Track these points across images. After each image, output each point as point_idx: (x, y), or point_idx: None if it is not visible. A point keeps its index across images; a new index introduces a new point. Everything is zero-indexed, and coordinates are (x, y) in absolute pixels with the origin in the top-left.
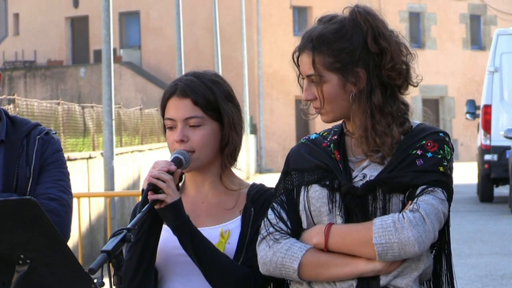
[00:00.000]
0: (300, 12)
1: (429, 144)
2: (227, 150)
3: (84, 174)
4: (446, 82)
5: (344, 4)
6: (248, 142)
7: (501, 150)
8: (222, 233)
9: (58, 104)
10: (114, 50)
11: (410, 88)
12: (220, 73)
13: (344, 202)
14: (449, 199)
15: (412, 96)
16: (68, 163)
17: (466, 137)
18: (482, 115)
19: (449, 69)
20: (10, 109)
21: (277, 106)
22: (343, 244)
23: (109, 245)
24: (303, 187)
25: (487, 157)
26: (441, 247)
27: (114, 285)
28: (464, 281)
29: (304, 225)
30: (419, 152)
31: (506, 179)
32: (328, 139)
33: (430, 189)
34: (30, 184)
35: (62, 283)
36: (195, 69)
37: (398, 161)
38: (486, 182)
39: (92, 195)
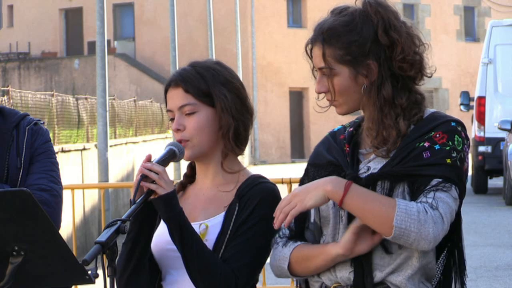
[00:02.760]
0: (294, 4)
1: (437, 135)
2: (227, 134)
3: (78, 165)
4: (440, 74)
5: None
6: None
7: (495, 142)
8: (200, 231)
9: (52, 95)
10: (108, 41)
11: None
12: None
13: None
14: (462, 194)
15: None
16: (62, 155)
17: None
18: (476, 106)
19: (443, 61)
20: (4, 100)
21: (271, 98)
22: (360, 207)
23: (103, 236)
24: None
25: (481, 148)
26: (454, 243)
27: (108, 276)
28: None
29: (311, 218)
30: (426, 144)
31: (500, 170)
32: (346, 132)
33: (445, 185)
34: (21, 174)
35: (56, 275)
36: (192, 60)
37: (405, 154)
38: (480, 174)
39: (86, 186)
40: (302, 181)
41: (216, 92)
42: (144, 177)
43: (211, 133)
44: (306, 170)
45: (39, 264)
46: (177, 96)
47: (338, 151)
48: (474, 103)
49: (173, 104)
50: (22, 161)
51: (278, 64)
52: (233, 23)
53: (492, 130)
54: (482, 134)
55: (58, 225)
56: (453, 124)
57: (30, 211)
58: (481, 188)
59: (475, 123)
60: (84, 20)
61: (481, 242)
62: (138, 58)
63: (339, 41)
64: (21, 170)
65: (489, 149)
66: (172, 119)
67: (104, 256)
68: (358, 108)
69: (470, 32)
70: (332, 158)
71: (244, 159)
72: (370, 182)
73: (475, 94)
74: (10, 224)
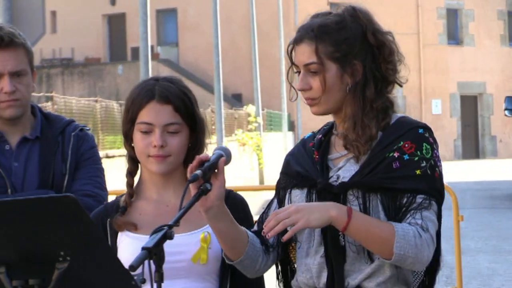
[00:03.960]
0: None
1: (406, 145)
2: (199, 154)
3: (123, 171)
4: (484, 79)
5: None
6: (286, 140)
7: None
8: (204, 238)
9: (96, 101)
10: (152, 47)
11: (449, 85)
12: (258, 70)
13: (319, 199)
14: (441, 203)
15: (450, 93)
16: (107, 160)
17: (504, 134)
18: None
19: (487, 66)
20: (48, 106)
21: None
22: (363, 233)
23: (150, 242)
24: (288, 190)
25: None
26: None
27: (155, 281)
28: (504, 278)
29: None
30: (396, 154)
31: None
32: (315, 139)
33: (427, 202)
34: (66, 180)
35: (102, 280)
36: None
37: (375, 164)
38: None
39: None
40: (276, 189)
41: (198, 115)
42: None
43: (185, 152)
44: (279, 179)
45: (85, 270)
46: (165, 113)
47: (307, 160)
48: None
49: (159, 120)
50: (68, 167)
51: None
52: (276, 27)
53: None
54: None
55: None
56: (420, 131)
57: (76, 216)
58: None
59: None
60: (128, 26)
61: None
62: (181, 64)
63: (331, 37)
64: (67, 176)
65: None
66: (145, 132)
67: (151, 261)
68: (336, 109)
69: None
70: (300, 168)
71: None
72: (341, 191)
73: None
74: (56, 230)
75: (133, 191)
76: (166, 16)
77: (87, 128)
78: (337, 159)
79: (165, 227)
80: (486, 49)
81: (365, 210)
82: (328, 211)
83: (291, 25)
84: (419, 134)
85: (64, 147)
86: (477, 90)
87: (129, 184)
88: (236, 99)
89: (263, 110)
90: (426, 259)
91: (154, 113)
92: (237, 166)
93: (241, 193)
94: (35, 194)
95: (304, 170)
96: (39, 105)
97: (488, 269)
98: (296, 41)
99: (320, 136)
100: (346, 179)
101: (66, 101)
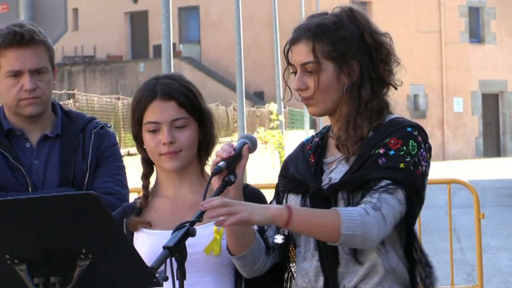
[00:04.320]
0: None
1: (392, 141)
2: (211, 146)
3: None
4: (505, 77)
5: None
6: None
7: None
8: (217, 230)
9: (118, 99)
10: (174, 45)
11: (470, 83)
12: (280, 68)
13: (312, 204)
14: (413, 198)
15: (472, 91)
16: (129, 158)
17: None
18: None
19: (509, 64)
20: (70, 104)
21: None
22: (307, 224)
23: (171, 240)
24: (284, 194)
25: None
26: (410, 246)
27: (177, 279)
28: None
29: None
30: (381, 151)
31: None
32: (313, 142)
33: (392, 187)
34: (87, 178)
35: (123, 278)
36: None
37: (362, 161)
38: None
39: None
40: (275, 191)
41: (204, 108)
42: (220, 169)
43: (196, 145)
44: (277, 182)
45: (107, 267)
46: (170, 109)
47: (304, 164)
48: None
49: (165, 117)
50: (88, 165)
51: None
52: None
53: None
54: None
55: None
56: (408, 129)
57: (98, 214)
58: None
59: None
60: (150, 24)
61: None
62: (203, 61)
63: (329, 37)
64: (87, 174)
65: None
66: (153, 131)
67: (173, 259)
68: (332, 109)
69: None
70: (296, 172)
71: None
72: (331, 193)
73: None
74: (78, 227)
75: (148, 193)
76: (188, 14)
77: (108, 126)
78: (331, 162)
79: (186, 224)
80: (508, 47)
81: None
82: (269, 208)
83: None
84: (407, 132)
85: (84, 145)
86: (499, 88)
87: (145, 186)
88: (258, 97)
89: (285, 108)
90: (375, 236)
91: (159, 111)
92: (258, 164)
93: (262, 190)
94: (56, 192)
95: (300, 174)
96: (61, 102)
97: (509, 267)
98: (293, 41)
99: (317, 139)
100: (337, 181)
101: (88, 99)
